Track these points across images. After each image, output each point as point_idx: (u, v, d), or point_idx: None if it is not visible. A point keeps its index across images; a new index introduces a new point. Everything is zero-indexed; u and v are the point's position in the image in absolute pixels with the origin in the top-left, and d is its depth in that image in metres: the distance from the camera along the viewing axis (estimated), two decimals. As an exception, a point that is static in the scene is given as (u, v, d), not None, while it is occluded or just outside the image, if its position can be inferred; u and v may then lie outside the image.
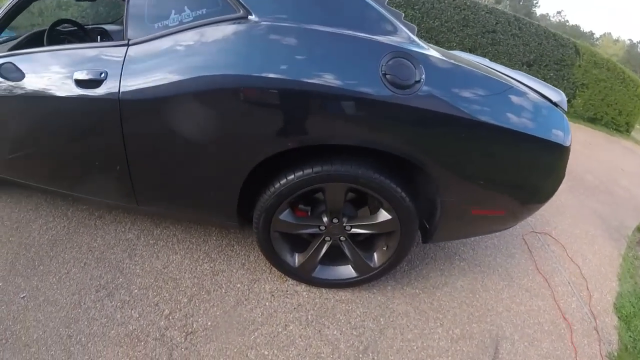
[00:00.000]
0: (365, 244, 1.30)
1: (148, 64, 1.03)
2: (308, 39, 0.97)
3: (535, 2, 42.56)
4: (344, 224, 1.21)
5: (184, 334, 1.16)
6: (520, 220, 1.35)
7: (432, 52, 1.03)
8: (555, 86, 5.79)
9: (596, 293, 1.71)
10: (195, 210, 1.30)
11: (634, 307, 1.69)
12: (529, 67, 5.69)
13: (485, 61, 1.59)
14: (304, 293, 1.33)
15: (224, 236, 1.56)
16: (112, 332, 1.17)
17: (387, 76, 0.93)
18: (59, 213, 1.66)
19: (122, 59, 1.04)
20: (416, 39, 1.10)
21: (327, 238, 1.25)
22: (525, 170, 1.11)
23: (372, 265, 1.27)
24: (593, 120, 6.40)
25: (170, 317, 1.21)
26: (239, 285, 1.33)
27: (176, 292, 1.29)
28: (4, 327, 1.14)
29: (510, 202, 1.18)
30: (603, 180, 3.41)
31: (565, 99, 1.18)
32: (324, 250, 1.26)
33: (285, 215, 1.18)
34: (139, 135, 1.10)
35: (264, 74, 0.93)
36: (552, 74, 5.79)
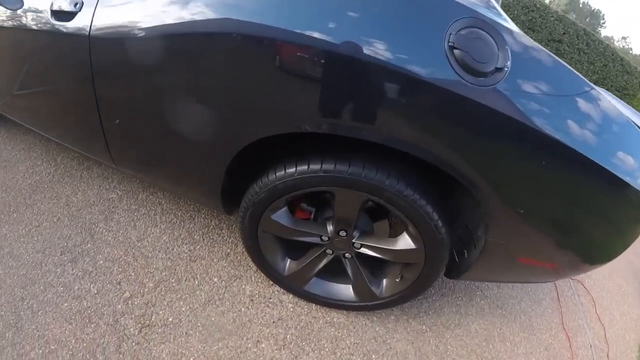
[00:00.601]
0: (376, 265, 1.04)
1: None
2: None
3: (602, 22, 38.30)
4: (353, 240, 0.95)
5: (140, 325, 0.98)
6: (566, 277, 1.04)
7: (517, 29, 0.71)
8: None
9: (620, 365, 1.39)
10: (172, 184, 1.08)
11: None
12: (588, 89, 4.95)
13: None
14: (290, 305, 1.11)
15: (214, 216, 1.36)
16: (65, 304, 1.02)
17: (455, 51, 0.63)
18: (48, 158, 1.52)
19: None
20: (497, 5, 0.77)
21: (329, 251, 1.00)
22: (604, 220, 0.80)
23: (377, 293, 1.02)
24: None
25: (130, 302, 1.03)
26: (216, 279, 1.13)
27: (144, 272, 1.11)
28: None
29: (570, 256, 0.87)
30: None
31: None
32: (322, 264, 1.02)
33: (278, 216, 0.94)
34: (110, 82, 0.88)
35: (270, 23, 0.66)
36: (609, 102, 5.04)
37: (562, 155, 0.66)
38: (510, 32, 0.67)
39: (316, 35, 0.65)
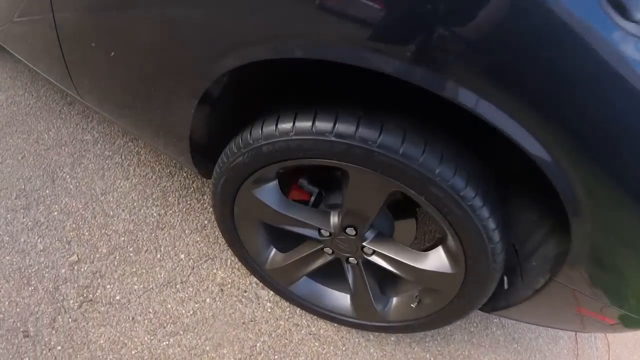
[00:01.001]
0: (386, 278, 0.77)
1: None
2: None
3: None
4: (364, 243, 0.68)
5: (81, 299, 0.80)
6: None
7: None
8: None
9: None
10: (137, 128, 0.84)
11: None
12: None
13: None
14: (268, 305, 0.88)
15: (196, 178, 1.13)
16: (7, 258, 0.85)
17: None
18: (32, 89, 1.32)
19: None
20: None
21: (328, 251, 0.75)
22: None
23: (382, 314, 0.76)
24: None
25: (76, 268, 0.85)
26: (182, 255, 0.92)
27: (99, 233, 0.92)
28: None
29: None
30: None
31: None
32: (316, 265, 0.77)
33: (263, 192, 0.67)
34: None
35: None
36: None
37: None
38: None
39: None
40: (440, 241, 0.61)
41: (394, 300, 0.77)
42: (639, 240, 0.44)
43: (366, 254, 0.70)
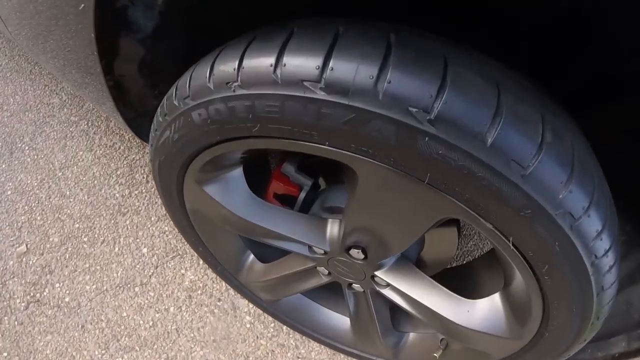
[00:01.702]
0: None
1: None
2: None
3: None
4: (376, 272, 0.42)
5: (28, 298, 0.67)
6: None
7: None
8: None
9: None
10: (54, 65, 0.59)
11: None
12: None
13: None
14: (247, 319, 0.67)
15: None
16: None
17: None
18: (5, 48, 1.16)
19: None
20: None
21: (323, 272, 0.49)
22: None
23: (392, 352, 0.52)
24: None
25: (24, 260, 0.71)
26: (145, 250, 0.73)
27: (52, 218, 0.76)
28: None
29: None
30: None
31: None
32: (308, 286, 0.53)
33: (216, 187, 0.44)
34: None
35: None
36: None
37: None
38: None
39: None
40: (508, 282, 0.32)
41: (411, 336, 0.52)
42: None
43: (378, 284, 0.43)
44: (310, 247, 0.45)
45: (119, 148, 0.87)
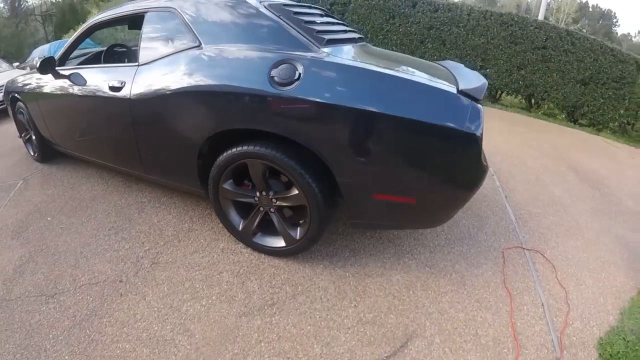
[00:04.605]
0: (292, 219, 1.52)
1: (145, 77, 1.56)
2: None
3: (615, 21, 36.63)
4: (271, 197, 1.45)
5: (151, 262, 1.57)
6: (439, 216, 1.34)
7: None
8: (615, 107, 4.76)
9: (578, 323, 1.42)
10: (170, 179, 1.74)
11: (628, 346, 1.35)
12: (584, 85, 4.96)
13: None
14: (246, 254, 1.61)
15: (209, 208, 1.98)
16: (109, 254, 1.65)
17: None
18: (101, 180, 2.33)
19: (133, 75, 1.61)
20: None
21: (261, 208, 1.52)
22: (424, 155, 1.15)
23: (295, 236, 1.48)
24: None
25: (147, 251, 1.64)
26: (202, 240, 1.70)
27: (156, 236, 1.73)
28: (45, 243, 1.76)
29: (419, 190, 1.21)
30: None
31: (481, 87, 1.18)
32: (258, 219, 1.53)
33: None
34: (141, 121, 1.64)
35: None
36: (610, 93, 4.93)
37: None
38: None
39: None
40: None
41: (298, 228, 1.48)
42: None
43: (273, 202, 1.47)
44: (253, 197, 1.50)
45: (180, 209, 1.94)
